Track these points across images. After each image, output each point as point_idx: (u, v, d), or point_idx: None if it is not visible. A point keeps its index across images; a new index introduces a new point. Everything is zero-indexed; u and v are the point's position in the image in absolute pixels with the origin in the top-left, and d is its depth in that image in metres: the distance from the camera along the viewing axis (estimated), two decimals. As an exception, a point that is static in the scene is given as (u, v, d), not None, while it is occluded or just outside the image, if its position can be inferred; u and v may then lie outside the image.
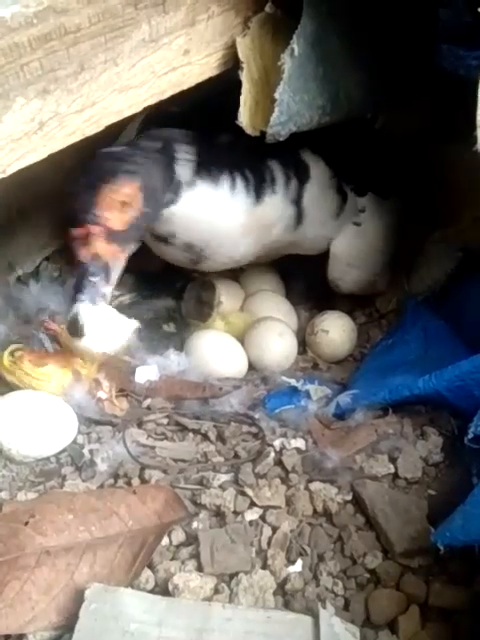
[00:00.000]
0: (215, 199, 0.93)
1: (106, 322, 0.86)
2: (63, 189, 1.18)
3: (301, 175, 0.99)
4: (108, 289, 0.85)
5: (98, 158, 0.87)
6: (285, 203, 0.98)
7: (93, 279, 0.83)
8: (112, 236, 0.84)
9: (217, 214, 0.94)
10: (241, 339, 1.07)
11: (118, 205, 0.84)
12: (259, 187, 0.96)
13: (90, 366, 0.95)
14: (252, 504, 0.80)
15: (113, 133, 0.95)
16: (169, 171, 0.91)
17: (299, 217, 1.00)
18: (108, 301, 0.86)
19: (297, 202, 0.99)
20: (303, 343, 1.12)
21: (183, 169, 0.91)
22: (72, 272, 0.88)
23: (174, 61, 0.81)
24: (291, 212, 0.99)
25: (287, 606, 0.71)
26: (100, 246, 0.83)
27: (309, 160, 1.01)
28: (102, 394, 0.94)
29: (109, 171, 0.85)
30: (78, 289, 0.84)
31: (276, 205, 0.97)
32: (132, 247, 0.89)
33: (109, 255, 0.84)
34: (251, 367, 1.06)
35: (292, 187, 0.98)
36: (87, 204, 0.83)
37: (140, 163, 0.87)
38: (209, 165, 0.93)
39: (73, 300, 0.85)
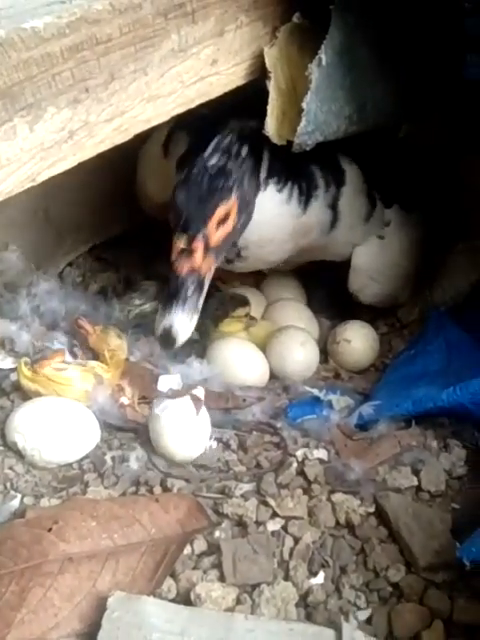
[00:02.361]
0: (275, 202, 0.93)
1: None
2: (87, 196, 1.21)
3: (338, 179, 0.99)
4: (200, 302, 0.86)
5: (207, 173, 0.86)
6: (324, 208, 0.98)
7: (189, 292, 0.84)
8: (209, 250, 0.85)
9: (272, 218, 0.94)
10: (263, 347, 1.07)
11: (220, 221, 0.85)
12: (308, 194, 0.96)
13: (113, 370, 0.95)
14: (274, 514, 0.80)
15: (141, 140, 0.96)
16: (257, 176, 0.91)
17: (334, 221, 1.00)
18: (199, 314, 0.87)
19: (334, 206, 0.99)
20: (325, 352, 1.12)
21: (262, 170, 0.92)
22: (168, 282, 0.87)
23: (202, 71, 0.82)
24: (328, 217, 1.00)
25: (309, 618, 0.71)
26: (199, 260, 0.84)
27: (345, 165, 1.01)
28: (125, 400, 0.94)
29: (222, 189, 0.85)
30: (175, 301, 0.84)
31: (317, 211, 0.97)
32: (220, 259, 0.90)
33: (205, 268, 0.85)
34: (273, 376, 1.06)
35: (331, 192, 0.98)
36: (197, 221, 0.83)
37: (237, 175, 0.87)
38: (277, 167, 0.93)
39: (166, 311, 0.85)
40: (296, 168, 0.95)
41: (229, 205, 0.85)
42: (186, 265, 0.84)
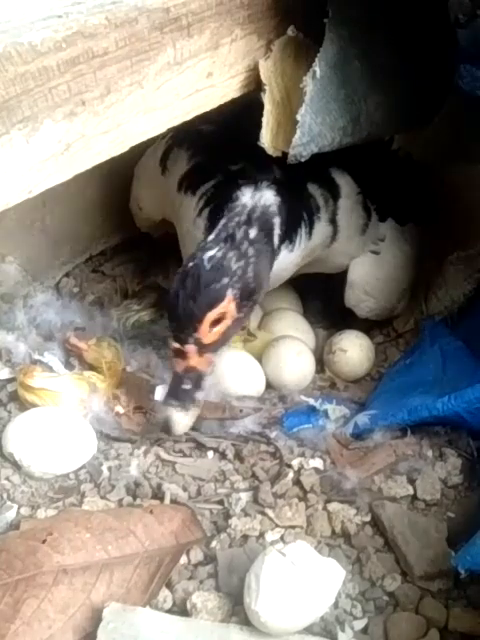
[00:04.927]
0: (288, 257, 0.92)
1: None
2: (83, 207, 1.21)
3: (334, 193, 0.99)
4: (201, 395, 0.85)
5: (202, 270, 0.80)
6: (326, 224, 0.98)
7: (186, 387, 0.84)
8: (204, 348, 0.82)
9: (284, 267, 0.94)
10: (259, 357, 1.07)
11: (214, 322, 0.81)
12: (311, 223, 0.95)
13: (109, 379, 0.96)
14: (271, 524, 0.80)
15: (137, 152, 0.96)
16: (270, 251, 0.88)
17: (334, 234, 1.00)
18: (201, 404, 0.86)
19: (333, 220, 0.99)
20: (321, 362, 1.12)
21: (275, 240, 0.89)
22: (170, 374, 0.88)
23: (198, 83, 0.82)
24: (329, 231, 1.00)
25: (305, 628, 0.71)
26: (194, 361, 0.83)
27: (339, 177, 1.01)
28: (120, 409, 0.94)
29: (215, 298, 0.80)
30: (172, 395, 0.85)
31: (321, 230, 0.97)
32: (225, 348, 0.88)
33: (203, 365, 0.84)
34: (269, 385, 1.06)
35: (329, 207, 0.98)
36: (187, 327, 0.81)
37: (239, 266, 0.82)
38: (288, 230, 0.90)
39: (166, 403, 0.86)
40: (300, 206, 0.93)
41: (223, 306, 0.80)
42: (181, 365, 0.83)
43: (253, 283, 0.83)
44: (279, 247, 0.90)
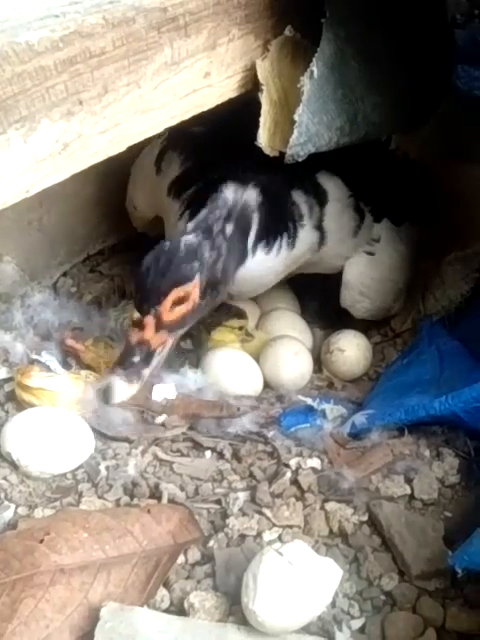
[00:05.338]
0: (265, 260, 0.93)
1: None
2: (81, 207, 1.21)
3: (320, 199, 0.99)
4: (146, 371, 0.87)
5: (178, 252, 0.84)
6: (311, 231, 0.98)
7: (134, 360, 0.86)
8: (162, 325, 0.85)
9: (263, 271, 0.95)
10: (257, 357, 1.08)
11: (177, 302, 0.84)
12: (295, 232, 0.96)
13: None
14: (269, 523, 0.80)
15: (134, 152, 0.97)
16: (242, 250, 0.90)
17: (322, 239, 1.00)
18: (144, 382, 0.88)
19: (319, 226, 0.99)
20: (318, 362, 1.12)
21: (250, 239, 0.91)
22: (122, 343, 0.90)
23: (195, 83, 0.82)
24: (315, 237, 1.00)
25: (303, 628, 0.71)
26: (149, 334, 0.85)
27: (326, 182, 1.00)
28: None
29: (184, 272, 0.84)
30: (120, 364, 0.87)
31: (305, 237, 0.97)
32: (180, 333, 0.90)
33: (155, 342, 0.86)
34: (266, 385, 1.06)
35: (315, 214, 0.98)
36: (151, 301, 0.83)
37: (210, 257, 0.86)
38: (266, 232, 0.92)
39: (111, 371, 0.87)
40: (282, 213, 0.95)
41: (188, 288, 0.84)
42: (136, 336, 0.85)
43: (220, 275, 0.87)
44: (254, 247, 0.91)
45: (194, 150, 1.01)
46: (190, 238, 0.85)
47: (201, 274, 0.84)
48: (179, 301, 0.84)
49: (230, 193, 0.90)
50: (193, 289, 0.84)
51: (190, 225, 0.87)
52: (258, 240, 0.91)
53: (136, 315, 0.85)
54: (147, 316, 0.84)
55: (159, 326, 0.85)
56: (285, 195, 0.96)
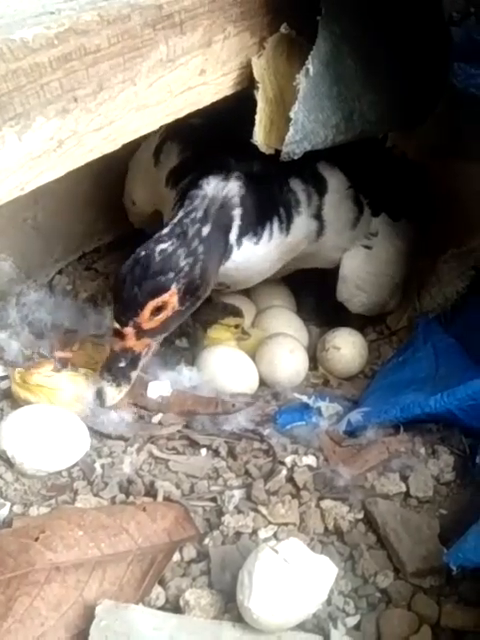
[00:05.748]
0: (254, 250, 0.93)
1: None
2: (76, 204, 1.21)
3: (320, 188, 1.00)
4: (134, 374, 0.89)
5: (151, 261, 0.84)
6: (308, 220, 0.99)
7: (121, 365, 0.88)
8: (143, 332, 0.86)
9: (255, 261, 0.95)
10: (252, 355, 1.08)
11: (154, 310, 0.85)
12: (289, 218, 0.96)
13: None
14: (264, 521, 0.80)
15: (130, 149, 0.96)
16: (223, 246, 0.90)
17: (320, 229, 1.01)
18: (132, 382, 0.90)
19: (318, 216, 0.99)
20: (314, 359, 1.12)
21: (233, 234, 0.91)
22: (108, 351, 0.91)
23: (190, 81, 0.82)
24: (313, 226, 1.00)
25: (298, 625, 0.71)
26: (131, 342, 0.87)
27: (326, 172, 1.01)
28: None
29: (159, 288, 0.84)
30: (107, 370, 0.89)
31: (302, 225, 0.98)
32: (165, 335, 0.91)
33: (139, 347, 0.88)
34: (262, 383, 1.06)
35: (313, 202, 0.98)
36: (129, 312, 0.84)
37: (187, 262, 0.85)
38: (253, 222, 0.92)
39: (100, 376, 0.90)
40: (274, 198, 0.95)
41: (165, 297, 0.84)
42: (118, 344, 0.87)
43: (199, 279, 0.87)
44: (239, 240, 0.91)
45: (193, 141, 1.01)
46: (164, 246, 0.85)
47: (178, 283, 0.84)
48: (157, 310, 0.85)
49: (210, 189, 0.90)
50: (170, 298, 0.85)
51: (165, 231, 0.87)
52: (242, 233, 0.91)
53: (115, 325, 0.86)
54: (126, 327, 0.85)
55: (140, 334, 0.86)
56: (277, 182, 0.95)
